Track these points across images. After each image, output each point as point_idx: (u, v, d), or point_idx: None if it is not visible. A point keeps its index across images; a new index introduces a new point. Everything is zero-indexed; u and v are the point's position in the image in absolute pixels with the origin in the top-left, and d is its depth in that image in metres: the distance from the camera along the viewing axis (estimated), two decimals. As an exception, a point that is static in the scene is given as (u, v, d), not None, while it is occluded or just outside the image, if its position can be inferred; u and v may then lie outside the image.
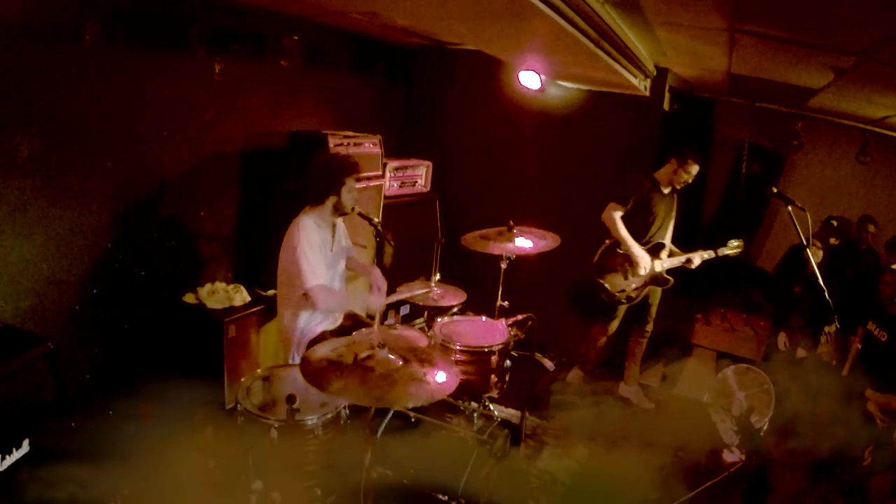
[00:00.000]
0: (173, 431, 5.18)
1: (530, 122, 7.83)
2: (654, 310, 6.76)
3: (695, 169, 6.23)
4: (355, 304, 5.13)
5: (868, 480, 4.65)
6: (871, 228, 7.38)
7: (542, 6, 3.40)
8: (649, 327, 6.83)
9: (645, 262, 6.31)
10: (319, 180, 4.82)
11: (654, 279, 6.43)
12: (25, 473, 3.79)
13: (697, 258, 6.38)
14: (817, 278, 4.77)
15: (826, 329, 6.22)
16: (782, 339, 6.80)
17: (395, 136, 7.98)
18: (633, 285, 6.43)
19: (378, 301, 4.87)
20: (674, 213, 6.50)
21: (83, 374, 5.12)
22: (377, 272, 5.00)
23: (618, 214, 6.29)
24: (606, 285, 6.44)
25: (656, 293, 6.69)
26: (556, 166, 7.85)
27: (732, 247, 6.41)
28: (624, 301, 6.52)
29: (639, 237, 6.34)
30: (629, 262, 6.36)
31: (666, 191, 6.40)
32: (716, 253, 6.39)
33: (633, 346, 6.93)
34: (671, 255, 6.45)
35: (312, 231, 4.71)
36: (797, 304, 6.90)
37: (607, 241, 6.47)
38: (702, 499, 5.31)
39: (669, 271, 6.44)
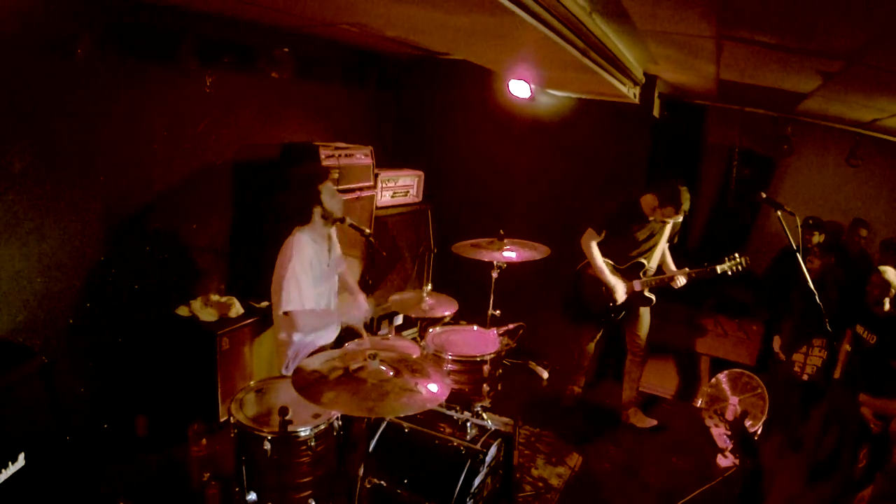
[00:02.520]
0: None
1: (521, 130, 7.87)
2: (643, 326, 6.50)
3: (674, 216, 6.00)
4: (340, 318, 5.11)
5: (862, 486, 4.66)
6: (864, 233, 7.39)
7: (528, 18, 3.43)
8: (641, 343, 6.55)
9: (619, 291, 6.22)
10: (297, 198, 4.82)
11: (635, 299, 6.33)
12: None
13: (682, 278, 6.16)
14: (808, 282, 4.79)
15: (814, 342, 6.21)
16: (777, 342, 6.81)
17: (386, 146, 8.02)
18: (611, 304, 6.33)
19: (358, 315, 4.89)
20: (665, 236, 6.28)
21: (78, 387, 5.12)
22: (361, 297, 5.03)
23: (594, 240, 6.22)
24: (584, 303, 6.49)
25: (642, 311, 6.46)
26: (547, 174, 7.89)
27: (732, 263, 6.07)
28: (604, 319, 6.51)
29: (619, 258, 6.29)
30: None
31: (651, 218, 6.14)
32: (713, 271, 6.09)
33: (628, 366, 6.70)
34: (655, 273, 6.32)
35: (307, 247, 4.69)
36: (791, 310, 6.89)
37: (583, 262, 6.45)
38: (696, 504, 5.34)
39: (655, 290, 6.32)
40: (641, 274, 6.26)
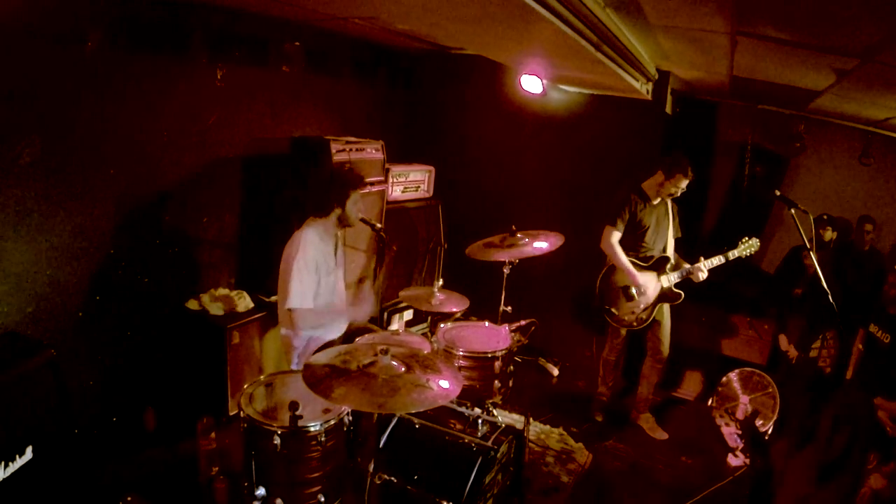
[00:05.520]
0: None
1: (533, 126, 7.85)
2: (665, 329, 6.31)
3: (684, 182, 5.84)
4: (342, 319, 5.10)
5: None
6: (869, 227, 7.34)
7: (542, 10, 3.40)
8: (664, 349, 6.35)
9: (652, 288, 6.01)
10: (325, 191, 4.83)
11: (663, 296, 6.10)
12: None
13: (703, 268, 5.95)
14: (821, 280, 4.75)
15: (826, 334, 6.17)
16: (783, 341, 6.77)
17: (397, 141, 7.98)
18: (642, 306, 6.08)
19: (362, 313, 4.87)
20: (670, 223, 6.15)
21: (87, 380, 5.11)
22: (366, 292, 5.01)
23: (616, 238, 5.98)
24: (614, 310, 6.17)
25: (664, 310, 6.26)
26: (559, 170, 7.86)
27: (745, 246, 5.98)
28: (635, 324, 6.19)
29: (632, 252, 6.06)
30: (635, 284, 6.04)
31: (656, 202, 6.05)
32: (725, 257, 5.99)
33: (647, 371, 6.52)
34: (676, 267, 6.10)
35: (313, 246, 4.71)
36: (797, 305, 6.86)
37: (607, 265, 6.20)
38: (706, 503, 5.31)
39: (678, 285, 6.09)
40: (668, 269, 6.08)
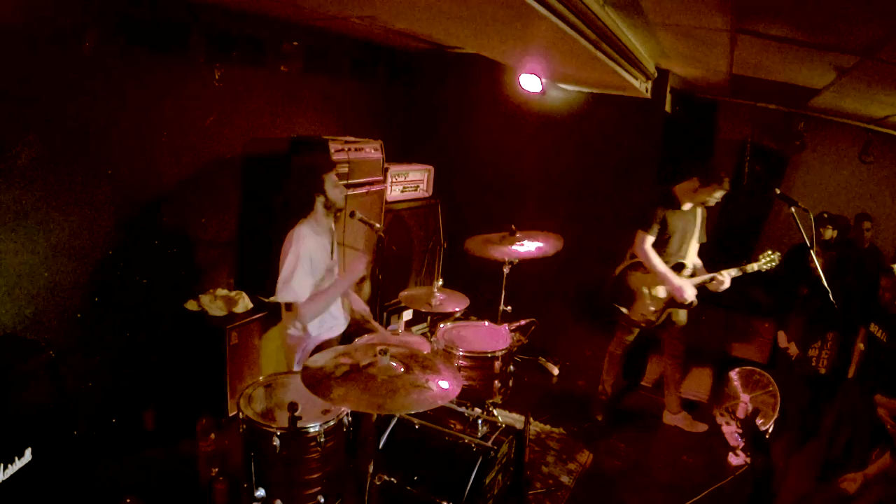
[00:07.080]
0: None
1: (532, 125, 7.84)
2: (682, 329, 6.34)
3: (719, 193, 5.79)
4: (340, 289, 5.03)
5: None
6: (867, 225, 7.32)
7: (540, 8, 3.39)
8: (681, 346, 6.41)
9: (688, 292, 5.91)
10: (300, 187, 4.75)
11: (674, 300, 6.05)
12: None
13: (726, 277, 5.88)
14: (821, 279, 4.73)
15: (827, 336, 6.15)
16: (782, 338, 6.75)
17: (396, 140, 7.96)
18: (653, 308, 6.07)
19: (356, 269, 4.77)
20: (696, 229, 6.09)
21: (86, 382, 5.09)
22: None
23: (650, 243, 5.89)
24: (624, 310, 6.15)
25: (680, 313, 6.25)
26: (558, 169, 7.85)
27: (766, 259, 5.88)
28: (643, 325, 6.17)
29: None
30: (648, 285, 6.02)
31: (686, 207, 5.96)
32: (743, 270, 5.89)
33: (669, 370, 6.53)
34: (693, 274, 6.04)
35: (309, 239, 4.62)
36: (800, 304, 6.84)
37: (621, 266, 6.15)
38: (707, 502, 5.29)
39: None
40: (684, 274, 6.00)
